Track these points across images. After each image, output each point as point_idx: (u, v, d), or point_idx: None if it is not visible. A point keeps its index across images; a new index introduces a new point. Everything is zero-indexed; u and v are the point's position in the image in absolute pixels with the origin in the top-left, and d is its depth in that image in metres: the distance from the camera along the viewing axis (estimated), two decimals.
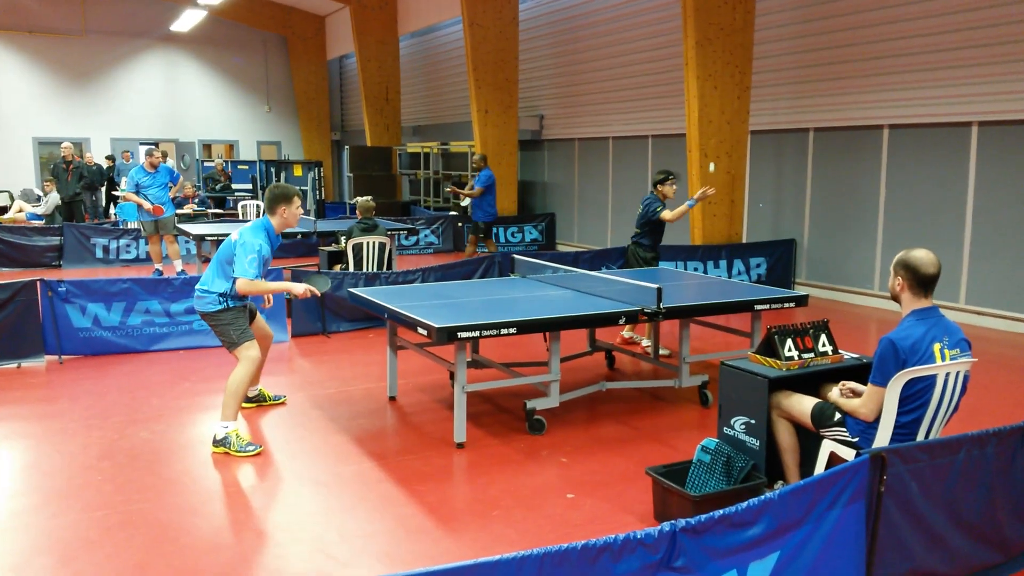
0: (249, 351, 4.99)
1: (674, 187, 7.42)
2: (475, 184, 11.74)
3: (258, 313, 5.42)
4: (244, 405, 5.58)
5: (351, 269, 9.05)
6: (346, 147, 21.62)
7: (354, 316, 8.21)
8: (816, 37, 10.23)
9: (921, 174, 9.24)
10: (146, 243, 13.03)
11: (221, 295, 4.94)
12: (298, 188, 5.16)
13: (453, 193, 12.87)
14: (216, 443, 4.86)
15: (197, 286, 5.03)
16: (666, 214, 7.27)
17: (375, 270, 9.06)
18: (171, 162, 20.07)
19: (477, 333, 4.68)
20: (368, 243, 9.13)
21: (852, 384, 3.82)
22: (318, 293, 5.11)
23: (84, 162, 16.78)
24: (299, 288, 5.04)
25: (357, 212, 9.54)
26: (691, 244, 10.57)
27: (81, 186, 15.48)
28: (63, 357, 6.99)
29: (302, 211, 5.25)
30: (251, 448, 4.83)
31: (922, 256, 3.51)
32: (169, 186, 11.04)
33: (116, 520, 3.96)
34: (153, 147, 11.23)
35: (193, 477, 4.54)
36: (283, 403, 5.84)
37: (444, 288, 6.39)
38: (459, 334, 4.60)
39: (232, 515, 4.06)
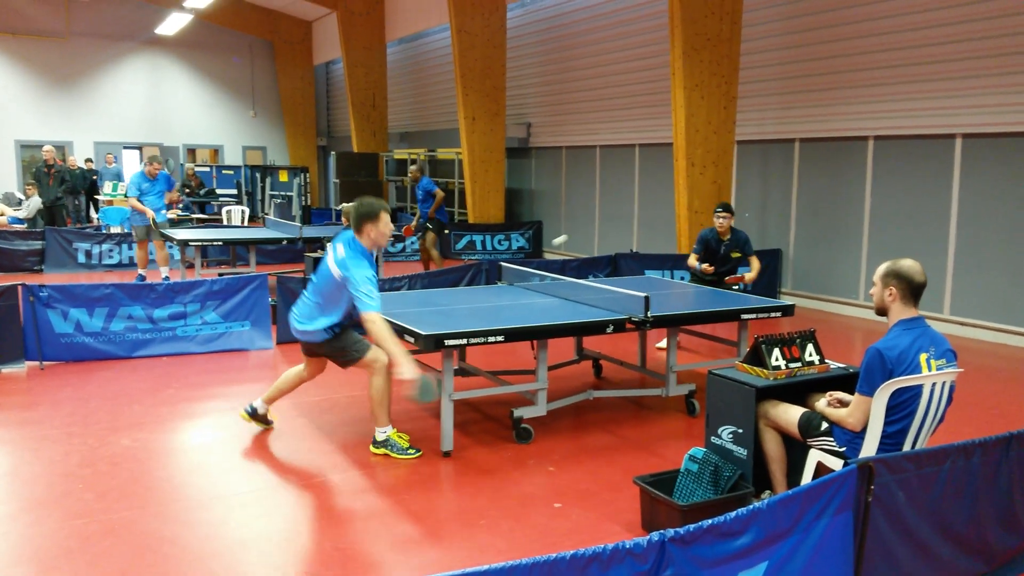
0: (372, 358, 4.79)
1: (718, 220, 7.47)
2: (423, 194, 11.55)
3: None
4: (246, 417, 5.29)
5: None
6: (332, 153, 21.60)
7: None
8: (802, 48, 10.31)
9: (906, 185, 9.33)
10: (131, 248, 12.95)
11: (328, 328, 4.78)
12: (385, 203, 4.85)
13: (409, 234, 12.56)
14: (376, 444, 4.90)
15: (299, 324, 4.83)
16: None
17: None
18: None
19: (464, 341, 4.66)
20: None
21: (839, 394, 3.84)
22: (415, 397, 4.42)
23: (66, 166, 16.65)
24: (408, 374, 4.39)
25: (343, 219, 9.50)
26: (678, 253, 10.60)
27: (63, 190, 15.36)
28: (44, 363, 6.91)
29: (392, 227, 4.89)
30: (412, 452, 4.85)
31: (912, 266, 3.53)
32: (164, 193, 11.02)
33: (97, 528, 3.90)
34: (153, 156, 11.25)
35: (175, 485, 4.48)
36: (271, 428, 5.43)
37: (431, 295, 6.36)
38: (446, 342, 4.58)
39: (216, 524, 4.02)
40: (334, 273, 4.67)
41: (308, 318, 4.83)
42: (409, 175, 11.80)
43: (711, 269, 7.43)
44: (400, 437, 4.93)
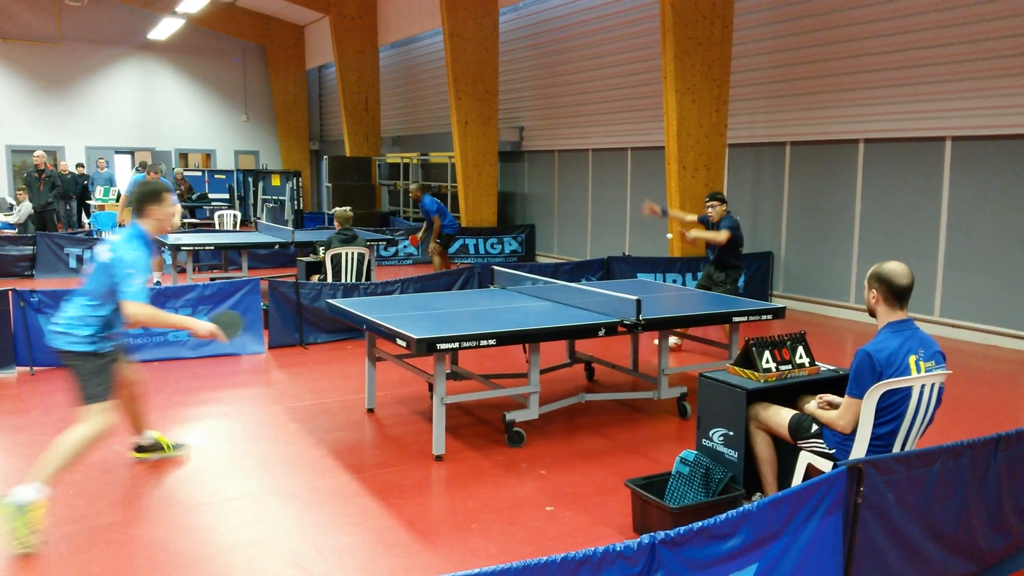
0: (105, 414, 4.04)
1: (708, 210, 7.75)
2: (429, 214, 11.66)
3: (120, 355, 4.39)
4: (138, 455, 4.87)
5: (329, 280, 9.00)
6: (325, 157, 21.55)
7: (332, 327, 8.16)
8: (794, 52, 10.36)
9: (896, 187, 9.37)
10: None
11: (92, 334, 4.06)
12: (168, 184, 4.45)
13: (415, 243, 12.77)
14: (5, 505, 3.71)
15: (57, 323, 4.12)
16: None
17: (354, 281, 9.02)
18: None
19: (457, 344, 4.66)
20: (347, 254, 9.09)
21: (829, 396, 3.85)
22: (225, 339, 4.35)
23: (57, 171, 16.59)
24: (203, 328, 4.24)
25: (336, 223, 9.51)
26: (669, 256, 10.63)
27: (54, 195, 15.31)
28: (34, 368, 6.88)
29: (178, 210, 4.38)
30: (31, 540, 3.67)
31: (895, 268, 3.54)
32: None
33: (88, 535, 3.89)
34: (144, 162, 11.11)
35: (167, 490, 4.47)
36: (183, 456, 4.95)
37: (423, 299, 6.36)
38: (438, 345, 4.58)
39: (207, 529, 4.01)
40: (103, 258, 4.08)
41: (70, 317, 4.08)
42: (411, 194, 12.00)
43: (655, 209, 8.12)
44: (35, 511, 3.71)
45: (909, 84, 9.06)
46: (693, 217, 8.08)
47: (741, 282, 10.54)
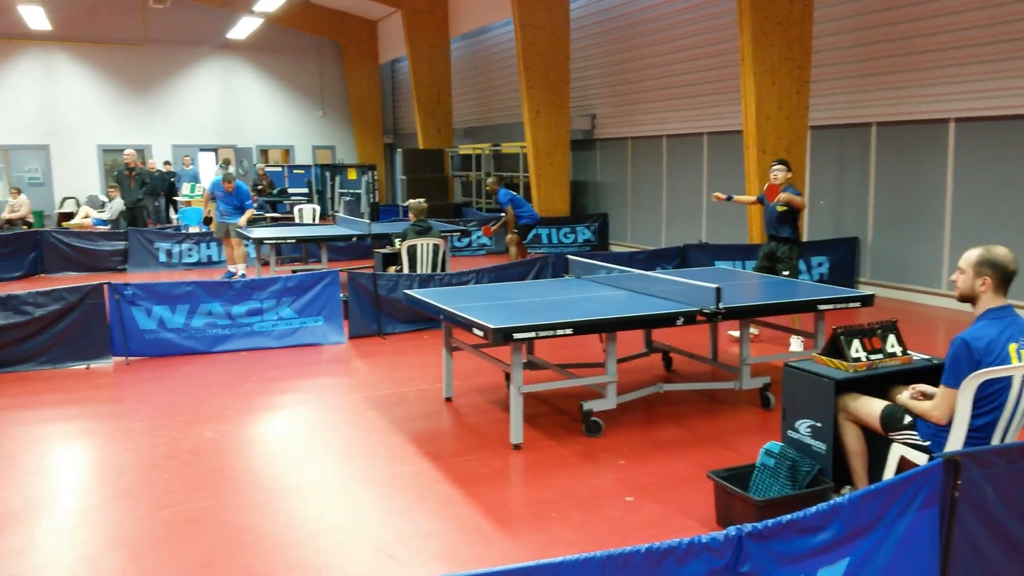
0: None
1: (772, 173, 7.46)
2: (503, 206, 12.24)
3: None
4: None
5: (405, 271, 9.12)
6: (399, 150, 21.86)
7: (409, 317, 8.27)
8: (877, 29, 9.95)
9: (991, 168, 8.92)
10: (209, 247, 13.38)
11: None
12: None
13: (488, 234, 13.47)
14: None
15: None
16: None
17: (429, 271, 9.12)
18: (232, 168, 20.48)
19: (533, 334, 4.66)
20: (422, 245, 9.19)
21: (923, 387, 3.70)
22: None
23: (146, 169, 17.26)
24: None
25: (410, 214, 9.62)
26: (749, 243, 10.38)
27: (144, 192, 15.94)
28: (129, 358, 7.19)
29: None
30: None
31: (1007, 253, 3.41)
32: (236, 207, 11.31)
33: (183, 517, 4.05)
34: (226, 168, 11.53)
35: (255, 476, 4.61)
36: None
37: (498, 289, 6.38)
38: (515, 335, 4.58)
39: (292, 514, 4.12)
40: None
41: None
42: (487, 188, 12.81)
43: (721, 196, 8.02)
44: None
45: (1002, 59, 8.58)
46: (752, 197, 8.00)
47: (826, 268, 10.26)
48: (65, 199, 20.77)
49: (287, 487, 4.46)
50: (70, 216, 18.64)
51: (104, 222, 16.49)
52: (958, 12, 8.98)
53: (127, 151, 16.20)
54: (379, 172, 23.88)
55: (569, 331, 4.75)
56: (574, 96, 15.46)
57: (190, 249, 13.40)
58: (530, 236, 14.77)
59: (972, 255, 3.46)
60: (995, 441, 3.39)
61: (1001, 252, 3.40)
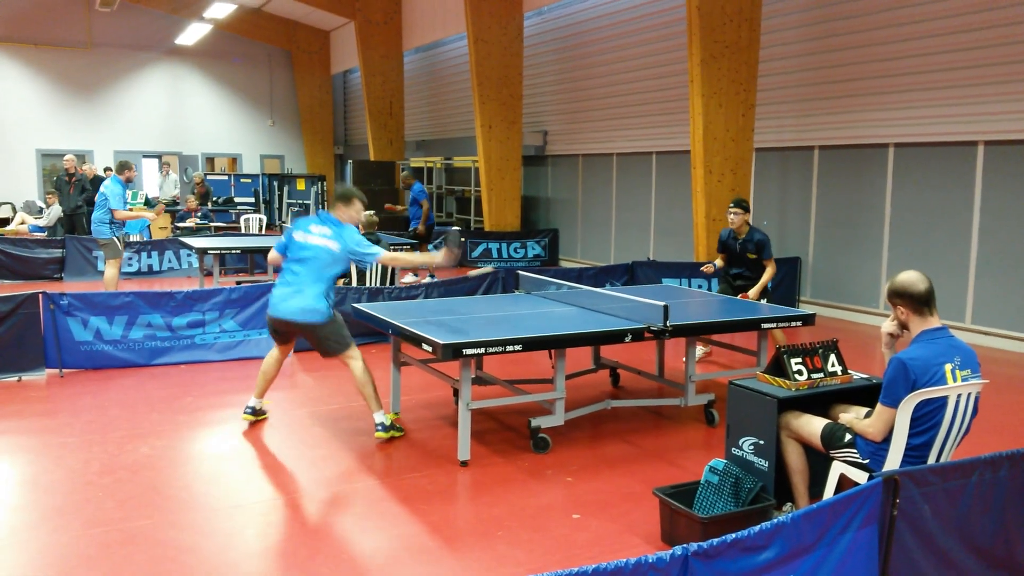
0: (355, 351, 5.33)
1: (729, 216, 7.44)
2: (421, 199, 12.62)
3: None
4: (247, 417, 5.67)
5: (354, 284, 9.02)
6: (349, 161, 21.66)
7: (357, 331, 8.11)
8: (822, 55, 10.25)
9: (927, 193, 9.23)
10: (150, 256, 13.05)
11: (327, 300, 5.22)
12: (357, 191, 5.60)
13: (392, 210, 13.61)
14: (384, 428, 5.26)
15: (299, 307, 5.18)
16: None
17: (378, 285, 9.03)
18: (173, 176, 20.06)
19: (482, 350, 4.64)
20: None
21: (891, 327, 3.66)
22: (456, 252, 5.43)
23: (86, 174, 16.79)
24: (444, 259, 5.38)
25: (360, 227, 9.52)
26: (695, 261, 10.54)
27: (83, 199, 15.49)
28: (64, 371, 6.95)
29: (364, 216, 5.72)
30: (398, 431, 5.30)
31: (909, 277, 3.51)
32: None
33: (116, 537, 3.91)
34: (126, 162, 10.14)
35: (194, 493, 4.49)
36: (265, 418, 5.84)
37: (448, 304, 6.35)
38: (464, 351, 4.56)
39: (232, 534, 4.01)
40: (332, 247, 5.21)
41: (310, 298, 5.19)
42: (403, 180, 13.33)
43: (711, 268, 7.53)
44: (393, 422, 5.30)
45: (940, 88, 8.92)
46: (720, 262, 7.62)
47: (769, 286, 10.44)
48: (0, 204, 20.08)
49: (227, 506, 4.35)
50: (5, 222, 18.03)
51: (41, 229, 15.99)
52: (900, 41, 9.30)
53: (67, 156, 15.74)
54: (329, 183, 23.64)
55: (519, 347, 4.74)
56: (526, 112, 15.56)
57: (130, 258, 13.05)
58: (480, 250, 14.81)
59: (886, 290, 3.58)
60: (932, 460, 3.49)
61: (903, 278, 3.51)
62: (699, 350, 7.65)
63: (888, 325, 3.69)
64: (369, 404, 5.31)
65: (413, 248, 11.90)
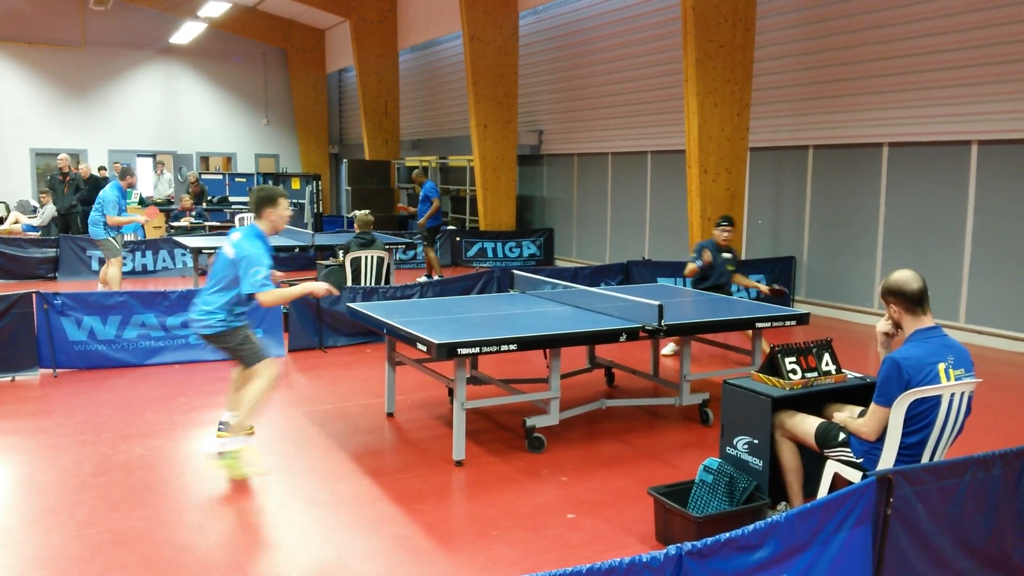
0: (269, 369, 4.77)
1: (723, 233, 7.58)
2: (432, 196, 12.46)
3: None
4: (221, 434, 5.20)
5: (349, 283, 9.01)
6: (344, 160, 21.64)
7: (352, 331, 8.17)
8: (816, 55, 10.27)
9: (921, 192, 9.25)
10: (144, 256, 13.01)
11: (226, 314, 4.73)
12: (283, 189, 5.03)
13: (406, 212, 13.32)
14: (221, 456, 4.64)
15: (196, 310, 4.79)
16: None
17: (373, 284, 9.02)
18: (168, 175, 20.01)
19: (477, 349, 4.64)
20: (366, 257, 9.09)
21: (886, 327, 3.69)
22: (336, 292, 5.06)
23: (80, 174, 16.75)
24: (320, 288, 4.90)
25: (355, 226, 9.52)
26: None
27: (77, 198, 15.45)
28: (58, 371, 6.93)
29: (291, 212, 5.05)
30: (252, 471, 4.63)
31: (902, 275, 3.52)
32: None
33: (110, 537, 3.90)
34: (129, 167, 10.21)
35: (188, 494, 4.48)
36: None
37: (443, 303, 6.35)
38: (459, 350, 4.56)
39: (228, 534, 4.00)
40: (228, 254, 4.73)
41: (207, 302, 4.76)
42: (414, 177, 13.01)
43: (695, 269, 7.54)
44: (242, 456, 4.60)
45: (934, 87, 8.94)
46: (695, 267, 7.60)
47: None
48: None
49: (222, 506, 4.34)
50: None
51: (35, 228, 15.93)
52: (894, 41, 9.32)
53: (61, 155, 15.70)
54: (324, 182, 23.59)
55: (513, 347, 4.75)
56: (522, 111, 15.56)
57: (124, 257, 12.99)
58: (475, 250, 14.81)
59: (880, 289, 3.59)
60: (925, 459, 3.49)
61: (897, 277, 3.53)
62: (670, 347, 7.74)
63: (883, 324, 3.70)
64: (240, 418, 4.77)
65: (423, 244, 11.96)
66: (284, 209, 4.87)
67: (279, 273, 5.11)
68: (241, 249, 4.69)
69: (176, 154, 22.98)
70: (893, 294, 3.52)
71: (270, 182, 21.26)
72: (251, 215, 4.94)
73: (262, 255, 4.70)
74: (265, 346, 4.87)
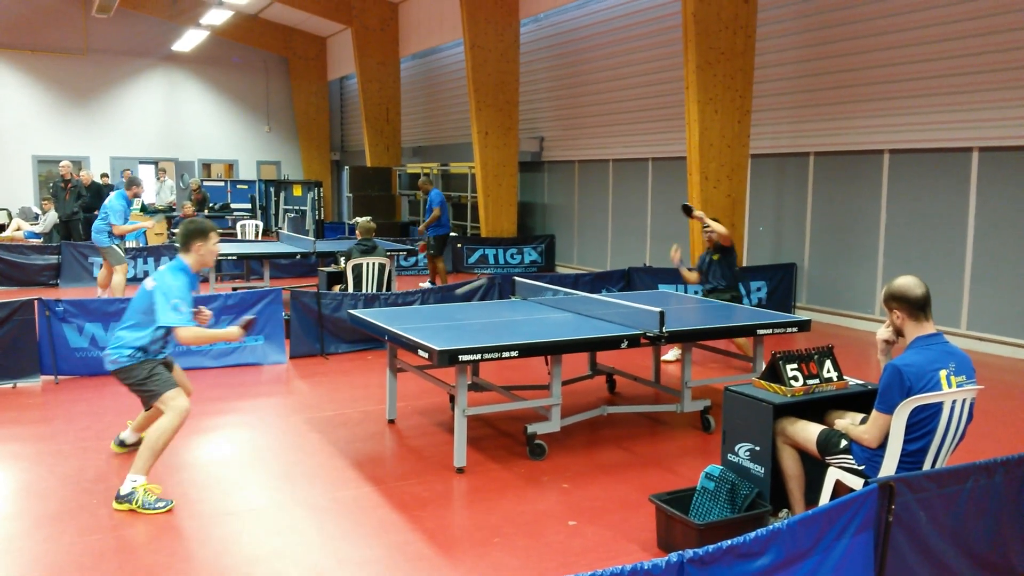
0: (176, 400, 4.45)
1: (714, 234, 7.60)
2: (435, 205, 12.36)
3: (175, 363, 4.88)
4: (117, 450, 5.17)
5: (350, 290, 9.02)
6: (346, 167, 21.67)
7: (353, 337, 8.17)
8: (817, 62, 10.29)
9: (922, 199, 9.26)
10: (146, 263, 13.03)
11: (136, 349, 4.45)
12: (213, 224, 4.77)
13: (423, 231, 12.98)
14: (120, 499, 4.30)
15: (110, 345, 4.55)
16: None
17: (375, 291, 9.03)
18: (170, 182, 20.07)
19: (479, 356, 4.64)
20: (368, 264, 9.11)
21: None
22: (243, 335, 4.65)
23: (82, 181, 16.79)
24: (235, 333, 4.58)
25: (357, 233, 9.54)
26: (692, 267, 10.54)
27: (79, 205, 15.49)
28: (59, 377, 6.93)
29: (219, 249, 4.83)
30: (161, 505, 4.29)
31: (906, 281, 3.52)
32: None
33: (111, 545, 3.90)
34: (135, 178, 10.30)
35: (189, 500, 4.47)
36: None
37: (444, 310, 6.36)
38: (460, 357, 4.56)
39: (228, 541, 4.00)
40: (147, 286, 4.49)
41: (120, 335, 4.50)
42: (420, 184, 12.92)
43: (694, 277, 7.78)
44: (148, 491, 4.33)
45: (935, 94, 8.95)
46: (694, 275, 7.87)
47: (764, 293, 10.47)
48: None
49: (223, 512, 4.33)
50: (1, 228, 17.99)
51: (37, 235, 15.96)
52: (895, 48, 9.34)
53: (63, 163, 15.73)
54: (325, 189, 23.64)
55: (515, 353, 4.75)
56: (523, 118, 15.59)
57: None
58: (476, 256, 14.81)
59: (882, 294, 3.59)
60: (927, 466, 3.49)
61: (900, 283, 3.53)
62: (673, 353, 7.75)
63: (884, 331, 3.70)
64: (139, 460, 4.37)
65: (430, 254, 11.92)
66: (213, 244, 4.65)
67: (208, 312, 4.84)
68: (161, 281, 4.44)
69: (178, 161, 23.04)
70: (896, 300, 3.52)
71: (272, 188, 21.36)
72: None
73: (184, 289, 4.46)
74: (171, 381, 4.53)
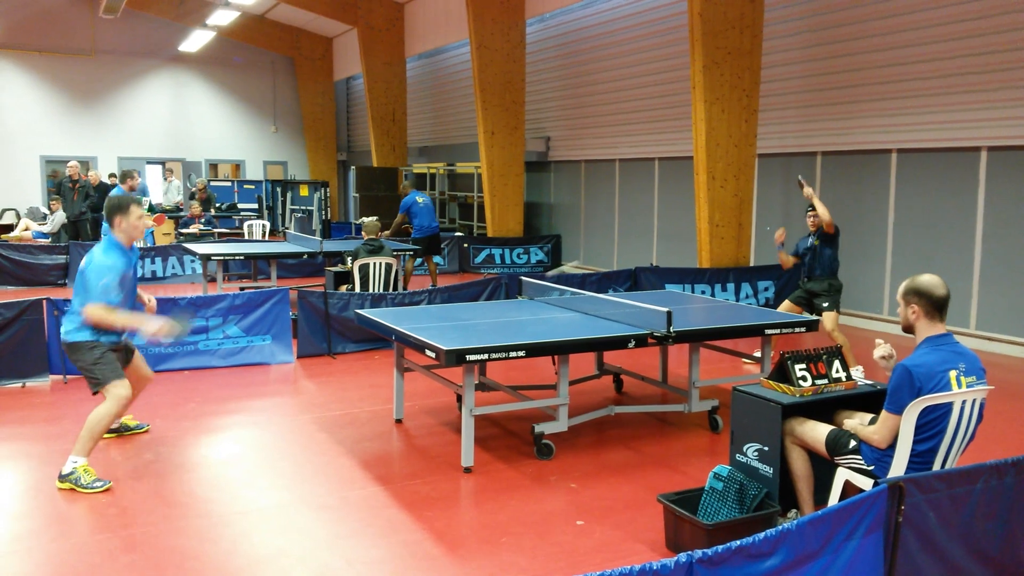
0: (118, 389, 4.63)
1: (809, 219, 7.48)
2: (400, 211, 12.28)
3: (136, 351, 5.08)
4: (105, 435, 5.18)
5: (357, 290, 9.03)
6: (352, 167, 21.69)
7: (360, 337, 8.18)
8: (824, 61, 10.26)
9: (930, 198, 9.22)
10: (153, 262, 13.08)
11: (77, 327, 4.65)
12: (134, 197, 4.93)
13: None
14: (62, 478, 4.52)
15: (64, 319, 4.75)
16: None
17: (381, 291, 9.04)
18: (177, 182, 20.11)
19: (486, 356, 4.64)
20: (374, 264, 9.12)
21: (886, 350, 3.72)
22: (174, 332, 4.68)
23: (90, 181, 16.86)
24: (152, 327, 4.61)
25: (363, 233, 9.55)
26: (698, 267, 10.54)
27: (87, 205, 15.55)
28: (68, 377, 6.95)
29: (146, 220, 4.94)
30: (98, 484, 4.49)
31: (931, 280, 3.49)
32: None
33: (120, 544, 3.91)
34: (130, 171, 10.43)
35: (198, 499, 4.48)
36: (146, 431, 5.57)
37: (451, 310, 6.36)
38: (468, 357, 4.56)
39: (237, 540, 4.01)
40: (82, 264, 4.68)
41: (66, 321, 4.71)
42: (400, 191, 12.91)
43: (791, 261, 7.71)
44: (87, 471, 4.53)
45: (943, 93, 8.92)
46: (790, 258, 7.79)
47: (771, 293, 10.44)
48: (4, 211, 20.14)
49: (231, 512, 4.34)
50: (9, 228, 18.07)
51: (45, 235, 16.02)
52: (902, 47, 9.30)
53: (71, 163, 15.79)
54: (332, 189, 23.69)
55: (522, 353, 4.74)
56: (529, 118, 15.59)
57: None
58: (483, 256, 14.81)
59: (901, 286, 3.57)
60: (937, 466, 3.47)
61: (925, 279, 3.50)
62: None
63: (880, 350, 3.71)
64: (80, 443, 4.59)
65: (414, 255, 11.87)
66: (136, 218, 4.76)
67: (146, 296, 5.01)
68: (91, 260, 4.62)
69: (185, 161, 23.09)
70: (918, 295, 3.49)
71: (279, 189, 21.41)
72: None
73: (115, 267, 4.60)
74: (117, 371, 4.68)
